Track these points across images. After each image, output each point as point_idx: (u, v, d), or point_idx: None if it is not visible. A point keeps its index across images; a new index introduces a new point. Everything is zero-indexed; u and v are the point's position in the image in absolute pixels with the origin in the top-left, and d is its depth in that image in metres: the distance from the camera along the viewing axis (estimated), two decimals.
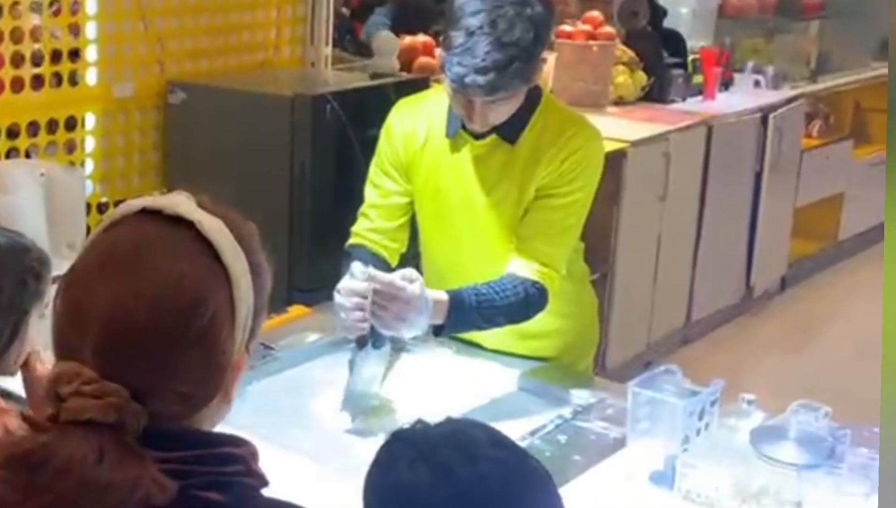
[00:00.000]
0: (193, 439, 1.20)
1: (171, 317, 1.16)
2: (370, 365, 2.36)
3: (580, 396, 2.41)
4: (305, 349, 2.59)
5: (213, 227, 1.22)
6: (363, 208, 2.60)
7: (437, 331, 2.33)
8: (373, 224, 2.56)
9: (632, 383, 2.12)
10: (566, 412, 2.35)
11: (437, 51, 2.42)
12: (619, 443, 2.19)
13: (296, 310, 2.78)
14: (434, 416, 2.21)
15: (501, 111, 2.36)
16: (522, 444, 2.19)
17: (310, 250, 3.60)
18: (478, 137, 2.46)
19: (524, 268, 2.39)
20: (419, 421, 1.45)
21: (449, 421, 1.46)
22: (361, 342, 2.33)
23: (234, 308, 1.19)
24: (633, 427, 2.13)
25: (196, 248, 1.20)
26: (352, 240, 2.58)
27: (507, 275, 2.39)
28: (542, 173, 2.42)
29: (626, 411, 2.17)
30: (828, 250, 6.51)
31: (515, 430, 2.27)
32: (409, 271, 2.25)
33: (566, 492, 2.02)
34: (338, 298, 2.26)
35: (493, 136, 2.44)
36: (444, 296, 2.28)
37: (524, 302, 2.38)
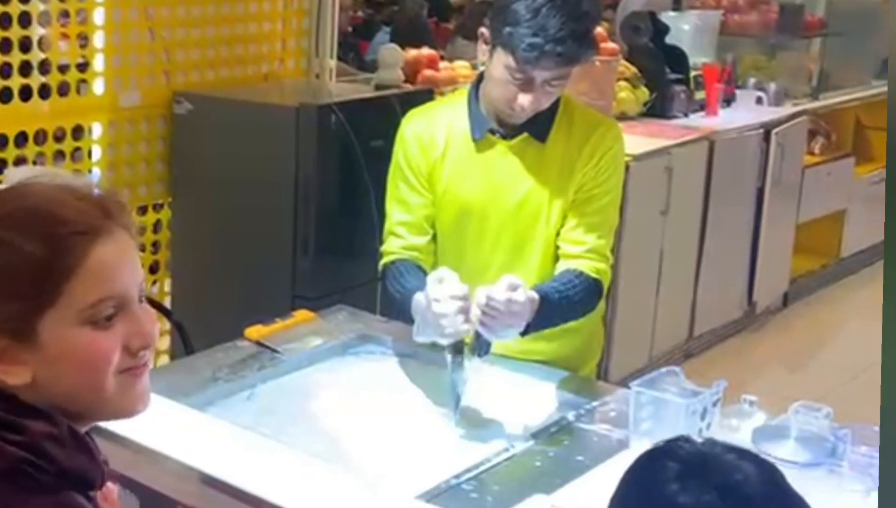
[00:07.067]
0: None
1: None
2: (476, 374, 2.33)
3: (583, 399, 2.42)
4: (309, 352, 2.61)
5: None
6: (391, 227, 2.58)
7: (524, 331, 2.33)
8: (405, 242, 2.55)
9: (634, 383, 2.14)
10: (570, 414, 2.37)
11: (482, 30, 2.46)
12: (622, 444, 2.20)
13: (300, 315, 2.79)
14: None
15: (553, 94, 2.42)
16: (526, 445, 2.23)
17: (314, 259, 3.61)
18: (507, 136, 2.50)
19: (582, 264, 2.47)
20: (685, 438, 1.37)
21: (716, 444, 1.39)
22: (458, 348, 2.30)
23: None
24: (636, 427, 2.14)
25: None
26: (387, 258, 2.56)
27: (570, 271, 2.46)
28: (579, 173, 2.49)
29: (627, 414, 2.18)
30: (830, 267, 6.53)
31: (520, 431, 2.29)
32: (514, 280, 2.25)
33: (568, 491, 2.05)
34: (436, 307, 2.22)
35: (524, 134, 2.49)
36: (535, 296, 2.30)
37: (590, 297, 2.47)
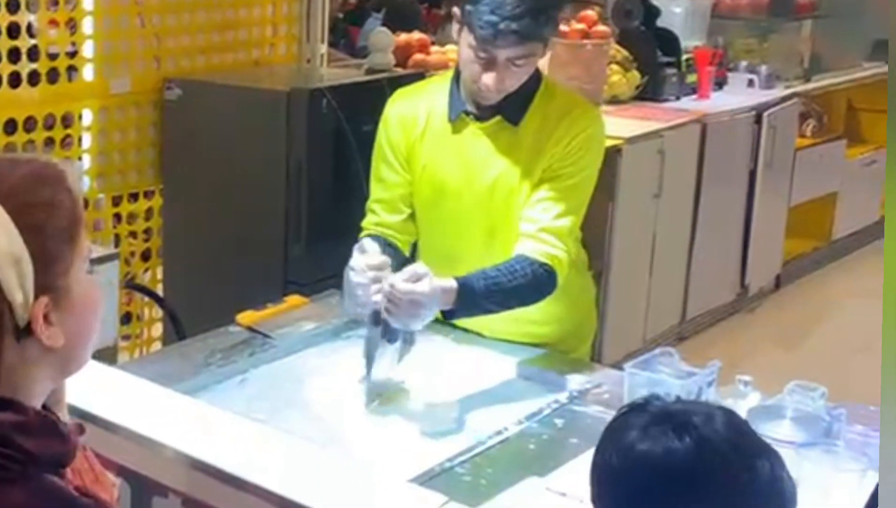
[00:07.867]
0: None
1: None
2: (387, 357, 2.34)
3: (577, 381, 2.42)
4: (302, 337, 2.61)
5: None
6: (369, 204, 2.61)
7: (449, 316, 2.33)
8: (379, 218, 2.58)
9: (628, 364, 2.13)
10: (563, 396, 2.37)
11: (454, 9, 2.46)
12: None
13: (292, 300, 2.79)
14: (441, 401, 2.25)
15: (518, 74, 2.40)
16: (520, 428, 2.22)
17: (306, 244, 3.61)
18: (481, 118, 2.49)
19: (532, 249, 2.41)
20: (655, 396, 1.45)
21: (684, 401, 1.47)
22: (376, 319, 2.31)
23: None
24: None
25: None
26: (362, 234, 2.58)
27: (516, 257, 2.41)
28: (548, 155, 2.46)
29: (621, 396, 2.18)
30: (822, 249, 6.53)
31: (514, 414, 2.29)
32: (417, 269, 2.25)
33: (562, 474, 2.05)
34: (353, 276, 2.28)
35: (498, 117, 2.47)
36: (453, 284, 2.28)
37: (533, 283, 2.39)
